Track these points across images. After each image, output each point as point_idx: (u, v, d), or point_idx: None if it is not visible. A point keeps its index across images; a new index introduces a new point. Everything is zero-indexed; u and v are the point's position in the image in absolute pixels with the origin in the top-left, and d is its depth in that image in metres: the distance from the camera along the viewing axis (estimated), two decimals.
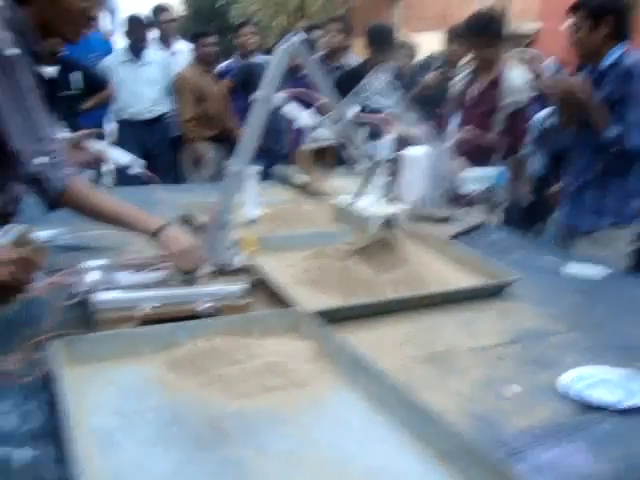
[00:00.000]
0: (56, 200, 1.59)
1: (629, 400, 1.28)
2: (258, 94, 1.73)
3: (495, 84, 3.19)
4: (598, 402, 1.27)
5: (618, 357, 1.49)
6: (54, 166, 1.54)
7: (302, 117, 1.91)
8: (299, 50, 1.75)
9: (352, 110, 1.98)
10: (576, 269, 2.06)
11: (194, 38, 4.92)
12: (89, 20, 1.72)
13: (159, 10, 5.17)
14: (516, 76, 3.21)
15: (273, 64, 1.75)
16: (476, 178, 2.44)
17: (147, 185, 3.73)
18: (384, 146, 1.81)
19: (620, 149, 2.35)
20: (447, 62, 4.40)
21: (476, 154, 2.68)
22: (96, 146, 2.46)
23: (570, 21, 2.64)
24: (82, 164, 2.23)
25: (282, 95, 1.78)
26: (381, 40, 3.95)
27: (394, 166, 1.94)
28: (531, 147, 4.96)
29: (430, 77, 4.21)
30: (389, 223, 1.80)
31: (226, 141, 4.57)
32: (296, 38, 1.75)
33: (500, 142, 3.13)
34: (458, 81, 3.46)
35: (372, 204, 1.83)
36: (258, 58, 4.80)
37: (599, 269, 2.06)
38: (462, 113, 3.30)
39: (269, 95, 1.72)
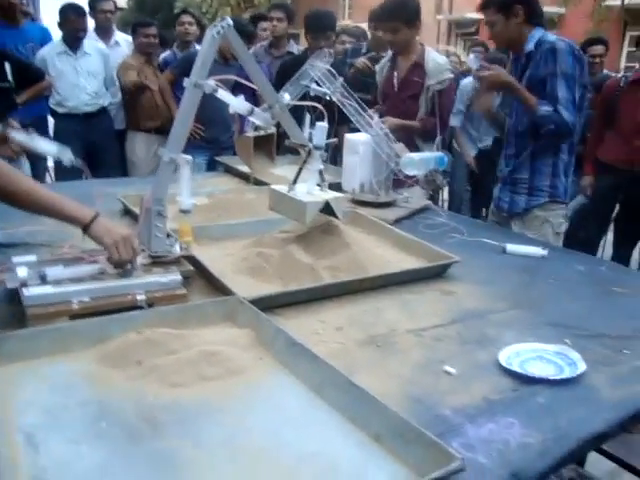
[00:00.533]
0: None
1: (559, 374, 1.31)
2: (188, 81, 1.70)
3: (416, 67, 3.23)
4: (532, 376, 1.29)
5: (553, 334, 1.53)
6: None
7: (235, 103, 1.88)
8: (228, 35, 1.72)
9: (286, 96, 1.96)
10: (516, 250, 2.10)
11: (134, 28, 4.80)
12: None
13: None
14: (436, 57, 3.26)
15: (202, 50, 1.72)
16: (416, 162, 2.44)
17: (86, 179, 3.65)
18: (319, 132, 1.79)
19: (551, 128, 2.41)
20: (373, 48, 4.47)
21: (404, 139, 2.70)
22: (19, 137, 2.38)
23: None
24: (6, 156, 2.15)
25: (212, 82, 1.74)
26: (319, 26, 3.92)
27: (328, 153, 1.92)
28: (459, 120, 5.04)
29: (359, 62, 4.23)
30: (327, 209, 1.79)
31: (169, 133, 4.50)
32: (224, 23, 1.71)
33: (424, 124, 3.18)
34: (380, 69, 3.50)
35: (309, 191, 1.81)
36: (198, 48, 4.73)
37: (538, 249, 2.10)
38: (389, 99, 3.34)
39: (199, 81, 1.68)
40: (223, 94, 1.79)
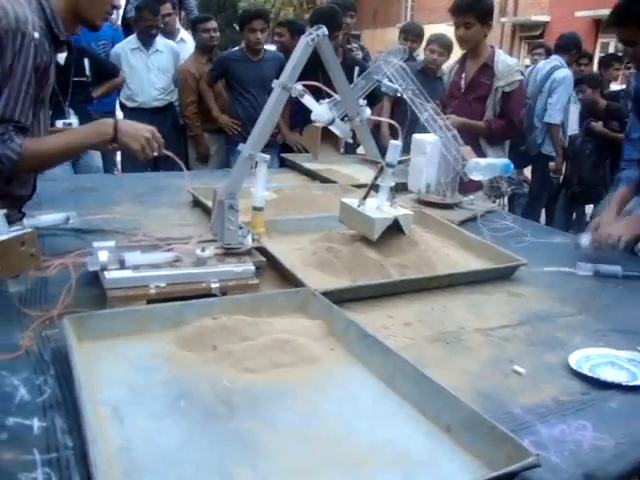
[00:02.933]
0: (11, 170, 1.64)
1: (633, 381, 1.29)
2: (277, 82, 1.74)
3: (485, 68, 3.21)
4: (604, 381, 1.28)
5: (622, 340, 1.51)
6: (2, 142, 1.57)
7: (319, 110, 1.92)
8: (322, 44, 1.78)
9: (368, 112, 1.98)
10: (589, 270, 1.97)
11: (193, 25, 4.91)
12: (113, 7, 1.79)
13: (158, 3, 5.14)
14: (506, 58, 3.23)
15: (295, 55, 1.77)
16: (482, 168, 2.43)
17: (156, 171, 3.76)
18: (392, 150, 1.81)
19: None
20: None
21: (468, 140, 2.68)
22: None
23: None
24: None
25: (300, 86, 1.79)
26: (324, 23, 3.91)
27: (399, 172, 1.93)
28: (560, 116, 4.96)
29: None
30: (395, 225, 1.80)
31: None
32: (320, 32, 1.77)
33: (490, 125, 3.15)
34: (448, 72, 3.49)
35: (379, 206, 1.83)
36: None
37: (616, 269, 1.96)
38: (455, 101, 3.33)
39: (289, 84, 1.73)
40: (308, 100, 1.84)
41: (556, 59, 5.11)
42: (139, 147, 1.73)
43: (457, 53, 3.58)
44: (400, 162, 1.85)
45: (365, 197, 1.82)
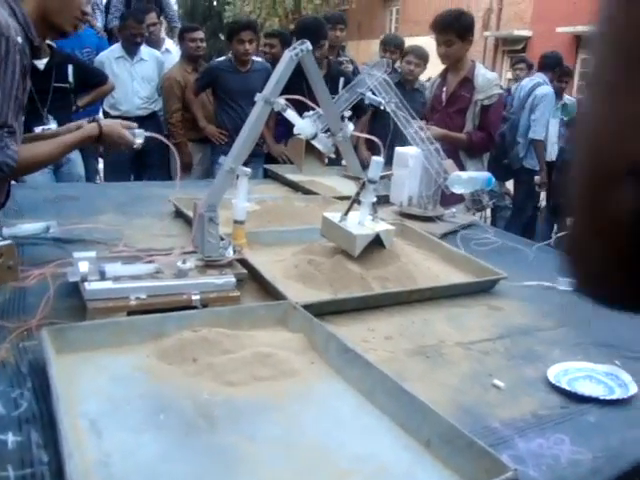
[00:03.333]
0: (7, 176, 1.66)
1: (610, 395, 1.31)
2: (259, 96, 1.75)
3: (465, 82, 3.26)
4: (582, 395, 1.29)
5: (600, 353, 1.53)
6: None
7: (301, 125, 1.92)
8: (306, 59, 1.78)
9: (350, 126, 1.99)
10: (568, 285, 1.99)
11: (180, 34, 4.91)
12: (83, 13, 1.78)
13: (143, 12, 5.13)
14: (486, 72, 3.28)
15: (279, 69, 1.77)
16: (463, 181, 2.46)
17: (138, 181, 3.74)
18: (374, 166, 1.82)
19: None
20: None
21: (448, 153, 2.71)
22: None
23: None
24: None
25: (282, 101, 1.80)
26: (308, 35, 3.92)
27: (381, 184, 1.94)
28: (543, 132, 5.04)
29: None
30: (376, 240, 1.81)
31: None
32: (304, 47, 1.77)
33: (470, 137, 3.18)
34: (430, 85, 3.54)
35: (360, 221, 1.83)
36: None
37: None
38: (436, 114, 3.37)
39: (271, 98, 1.73)
40: (291, 114, 1.84)
41: (539, 76, 5.28)
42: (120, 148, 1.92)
43: (437, 66, 3.62)
44: (382, 177, 1.86)
45: (347, 212, 1.83)
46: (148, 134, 2.00)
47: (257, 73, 4.45)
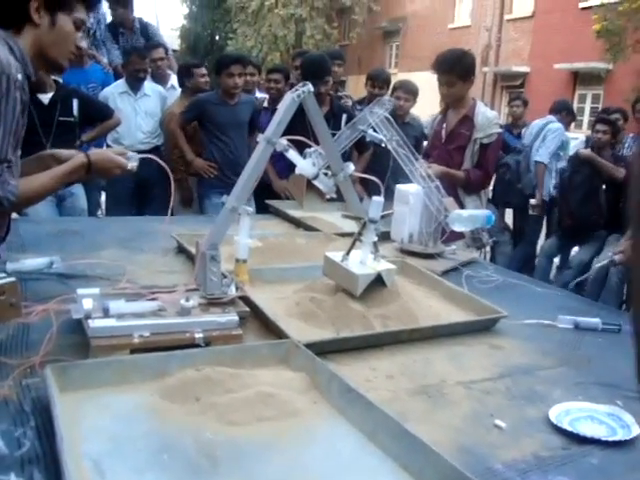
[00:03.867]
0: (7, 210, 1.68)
1: (612, 436, 1.31)
2: (262, 137, 1.78)
3: (466, 120, 3.31)
4: (584, 436, 1.29)
5: (602, 393, 1.53)
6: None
7: (303, 165, 1.96)
8: (307, 100, 1.82)
9: (350, 168, 2.03)
10: (569, 322, 1.99)
11: (186, 69, 4.97)
12: (77, 47, 1.83)
13: (150, 47, 5.22)
14: (486, 111, 3.33)
15: (281, 109, 1.81)
16: (464, 219, 2.48)
17: (140, 216, 3.77)
18: (374, 206, 1.84)
19: None
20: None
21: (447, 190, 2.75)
22: None
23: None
24: None
25: (284, 141, 1.83)
26: (315, 72, 3.96)
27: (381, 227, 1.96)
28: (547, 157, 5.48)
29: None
30: (378, 278, 1.83)
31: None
32: (305, 89, 1.81)
33: (469, 174, 3.22)
34: (431, 122, 3.59)
35: (362, 260, 1.85)
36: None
37: (595, 322, 1.99)
38: (436, 150, 3.42)
39: (273, 139, 1.77)
40: (292, 155, 1.88)
41: (550, 118, 5.94)
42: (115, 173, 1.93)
43: (433, 100, 3.70)
44: (382, 217, 1.88)
45: (348, 252, 1.84)
46: (143, 156, 2.02)
47: (244, 105, 4.48)
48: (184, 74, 4.98)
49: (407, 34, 24.64)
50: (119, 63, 5.32)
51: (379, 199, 1.83)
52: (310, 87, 1.85)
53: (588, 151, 5.28)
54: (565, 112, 6.19)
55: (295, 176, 2.42)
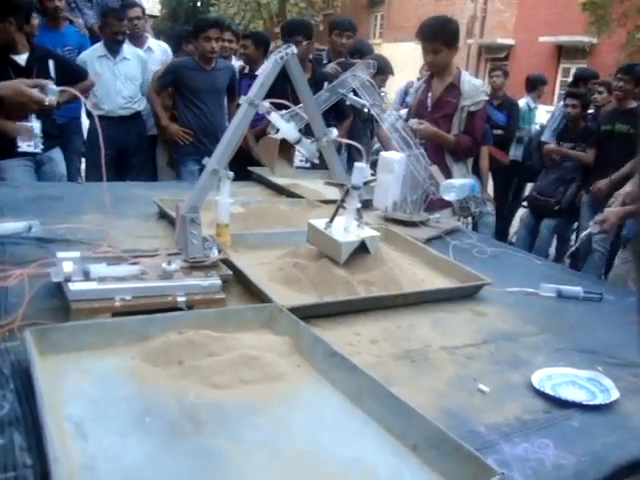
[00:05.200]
0: None
1: (592, 400, 1.32)
2: (244, 98, 1.75)
3: (452, 88, 3.29)
4: (565, 400, 1.30)
5: (583, 359, 1.55)
6: None
7: (286, 129, 1.93)
8: (291, 63, 1.79)
9: (333, 133, 2.00)
10: (552, 291, 2.00)
11: (195, 33, 4.74)
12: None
13: (127, 6, 5.06)
14: (472, 79, 3.32)
15: (265, 72, 1.78)
16: (456, 188, 2.48)
17: (121, 182, 3.71)
18: (357, 173, 1.82)
19: None
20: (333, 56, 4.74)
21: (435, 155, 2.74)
22: None
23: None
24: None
25: (267, 104, 1.80)
26: (290, 32, 3.91)
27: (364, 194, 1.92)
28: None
29: (330, 67, 4.39)
30: (361, 246, 1.81)
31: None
32: (289, 50, 1.78)
33: (459, 140, 3.22)
34: (414, 91, 3.57)
35: (346, 227, 1.83)
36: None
37: (577, 290, 2.00)
38: (423, 119, 3.38)
39: (256, 100, 1.73)
40: (275, 117, 1.84)
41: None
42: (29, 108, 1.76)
43: (411, 71, 3.67)
44: (365, 184, 1.86)
45: (332, 219, 1.83)
46: (62, 88, 1.87)
47: (221, 72, 4.42)
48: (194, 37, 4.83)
49: (392, 3, 24.36)
50: (94, 23, 5.19)
51: (361, 165, 1.81)
52: (294, 49, 1.82)
53: (552, 146, 5.44)
54: (540, 85, 6.72)
55: (266, 139, 2.36)
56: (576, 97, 5.32)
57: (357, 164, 1.83)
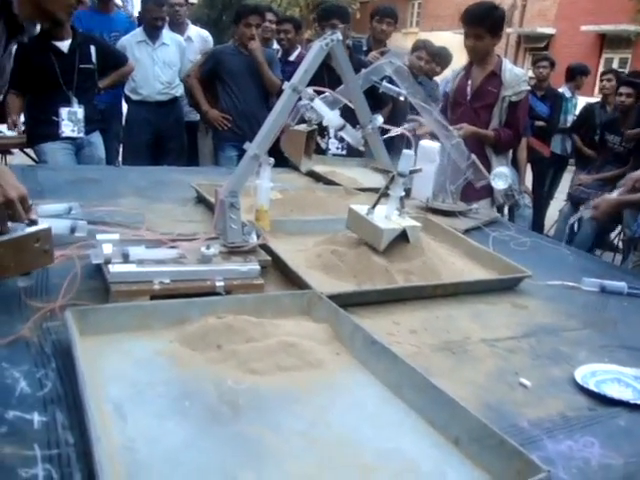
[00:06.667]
0: None
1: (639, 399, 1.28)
2: (288, 84, 1.73)
3: (492, 77, 3.21)
4: (611, 398, 1.26)
5: (628, 356, 1.51)
6: None
7: (330, 116, 1.90)
8: (336, 49, 1.77)
9: (379, 120, 1.96)
10: (595, 285, 1.95)
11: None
12: (79, 2, 1.72)
13: None
14: (513, 68, 3.24)
15: (309, 58, 1.75)
16: (505, 176, 2.44)
17: (158, 166, 3.73)
18: (405, 160, 1.79)
19: None
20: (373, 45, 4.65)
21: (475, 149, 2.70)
22: None
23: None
24: None
25: (310, 90, 1.78)
26: (325, 16, 3.85)
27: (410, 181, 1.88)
28: None
29: (371, 56, 4.31)
30: (402, 235, 1.79)
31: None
32: (335, 37, 1.75)
33: (499, 134, 3.15)
34: (452, 78, 3.48)
35: (387, 215, 1.81)
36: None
37: (621, 285, 1.95)
38: (460, 108, 3.32)
39: (299, 87, 1.71)
40: (318, 104, 1.82)
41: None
42: None
43: None
44: (412, 172, 1.82)
45: (374, 206, 1.80)
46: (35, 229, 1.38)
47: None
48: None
49: None
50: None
51: (409, 152, 1.78)
52: (339, 35, 1.79)
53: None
54: (580, 76, 6.56)
55: (291, 132, 2.30)
56: (632, 86, 5.12)
57: (405, 151, 1.79)
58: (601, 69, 16.27)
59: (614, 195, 2.37)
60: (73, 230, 1.85)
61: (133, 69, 4.35)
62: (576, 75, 6.57)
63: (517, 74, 3.20)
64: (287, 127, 2.24)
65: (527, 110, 3.54)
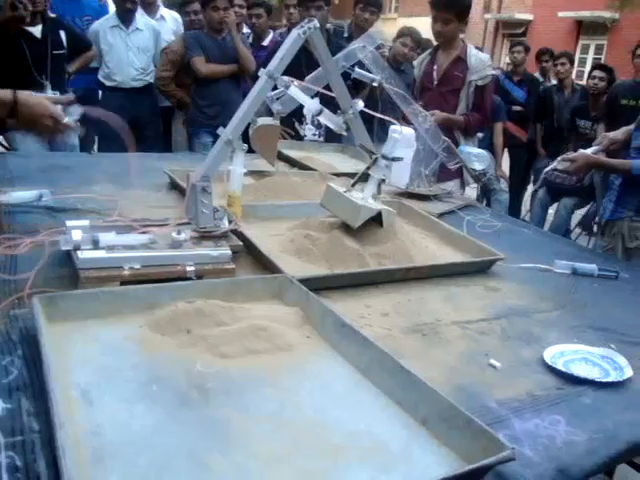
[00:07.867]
0: None
1: (605, 377, 1.30)
2: (264, 71, 1.72)
3: (458, 62, 3.25)
4: (577, 377, 1.28)
5: (596, 337, 1.53)
6: None
7: (309, 103, 1.89)
8: (313, 37, 1.76)
9: (359, 104, 1.96)
10: (566, 267, 1.97)
11: (181, 6, 4.78)
12: None
13: None
14: (478, 53, 3.28)
15: (285, 46, 1.74)
16: (473, 154, 2.45)
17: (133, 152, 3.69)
18: (391, 143, 1.79)
19: None
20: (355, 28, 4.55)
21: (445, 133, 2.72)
22: None
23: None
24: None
25: (286, 77, 1.77)
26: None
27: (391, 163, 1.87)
28: None
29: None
30: (375, 217, 1.79)
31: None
32: (312, 25, 1.75)
33: (469, 119, 3.18)
34: (418, 63, 3.51)
35: (364, 197, 1.81)
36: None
37: (592, 268, 1.98)
38: (427, 93, 3.34)
39: (275, 74, 1.70)
40: (295, 91, 1.81)
41: None
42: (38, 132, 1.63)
43: None
44: (394, 159, 1.81)
45: (354, 184, 1.80)
46: (85, 109, 1.69)
47: (230, 40, 4.34)
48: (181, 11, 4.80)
49: None
50: None
51: (396, 135, 1.78)
52: (316, 23, 1.78)
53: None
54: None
55: (261, 127, 2.25)
56: (605, 70, 5.16)
57: (392, 134, 1.79)
58: (578, 55, 16.40)
59: (590, 151, 2.41)
60: (40, 197, 1.84)
61: (96, 54, 4.31)
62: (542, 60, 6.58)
63: (482, 59, 3.24)
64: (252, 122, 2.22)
65: (492, 94, 3.60)
